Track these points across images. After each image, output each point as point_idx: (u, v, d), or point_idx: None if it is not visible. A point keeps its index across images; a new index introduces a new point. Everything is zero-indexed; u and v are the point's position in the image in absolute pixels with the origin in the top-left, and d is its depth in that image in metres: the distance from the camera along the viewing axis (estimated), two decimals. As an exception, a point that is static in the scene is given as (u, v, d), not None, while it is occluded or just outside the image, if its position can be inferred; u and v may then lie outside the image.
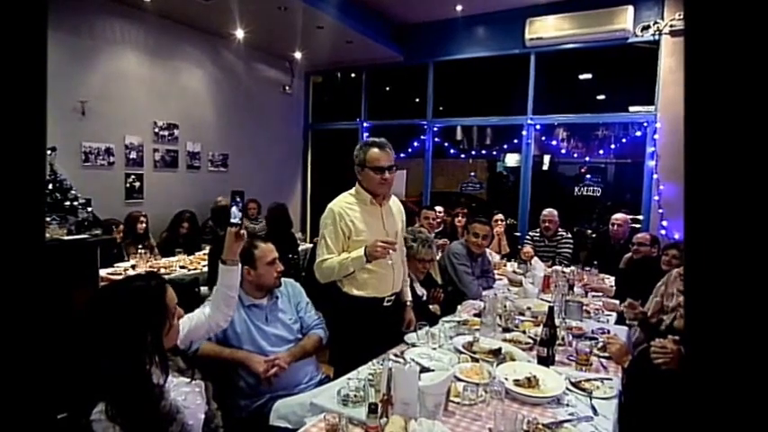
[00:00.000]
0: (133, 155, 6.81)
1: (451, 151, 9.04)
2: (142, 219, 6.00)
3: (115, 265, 5.13)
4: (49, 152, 4.00)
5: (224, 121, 8.10)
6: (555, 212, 6.34)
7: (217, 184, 7.88)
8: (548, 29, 7.38)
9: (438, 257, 4.74)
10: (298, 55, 8.60)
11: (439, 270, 4.59)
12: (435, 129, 8.75)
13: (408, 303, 3.44)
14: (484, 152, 10.36)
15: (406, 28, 8.56)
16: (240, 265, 2.39)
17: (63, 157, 5.17)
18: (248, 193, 7.96)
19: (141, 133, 6.91)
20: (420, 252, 3.86)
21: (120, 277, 4.40)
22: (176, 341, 1.97)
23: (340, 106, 9.91)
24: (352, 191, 3.22)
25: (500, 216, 6.69)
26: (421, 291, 3.94)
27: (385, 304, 3.19)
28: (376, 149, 3.08)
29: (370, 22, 7.82)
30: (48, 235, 3.70)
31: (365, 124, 9.28)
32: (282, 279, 3.03)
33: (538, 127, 7.89)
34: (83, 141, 6.22)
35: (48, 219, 3.76)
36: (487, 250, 5.24)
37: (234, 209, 2.32)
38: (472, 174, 9.29)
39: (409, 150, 8.89)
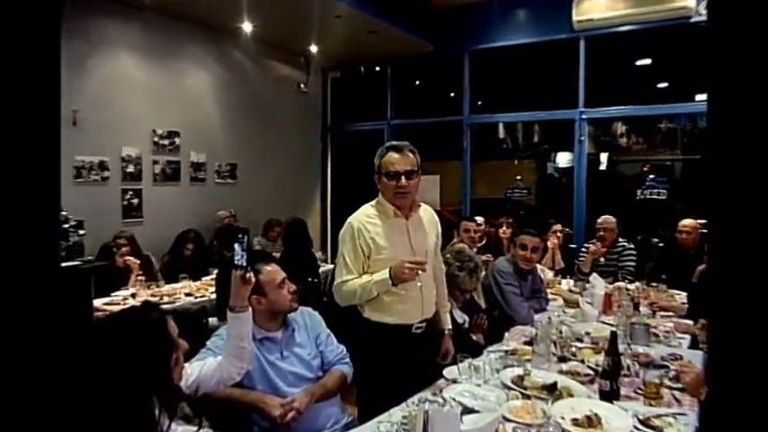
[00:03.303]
0: (130, 168, 6.92)
1: (494, 152, 9.01)
2: (124, 243, 5.77)
3: (113, 294, 5.18)
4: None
5: (231, 127, 8.19)
6: (612, 219, 6.25)
7: (225, 197, 7.97)
8: (599, 9, 7.31)
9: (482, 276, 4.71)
10: (313, 49, 8.68)
11: (482, 291, 4.55)
12: (474, 127, 8.73)
13: (447, 332, 3.43)
14: (531, 152, 10.29)
15: (437, 14, 8.56)
16: (250, 309, 2.41)
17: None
18: (259, 208, 8.09)
19: (139, 144, 7.02)
20: (464, 282, 3.87)
21: (117, 308, 4.45)
22: (181, 376, 1.98)
23: (363, 105, 9.97)
24: (374, 202, 3.23)
25: (558, 226, 6.63)
26: (461, 317, 3.90)
27: (414, 331, 3.18)
28: (392, 153, 3.11)
29: (396, 8, 7.83)
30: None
31: (392, 124, 9.33)
32: (301, 308, 3.02)
33: (591, 121, 7.80)
34: (74, 155, 6.35)
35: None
36: (538, 266, 5.17)
37: (237, 248, 2.32)
38: (518, 177, 9.22)
39: (444, 152, 8.87)
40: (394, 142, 3.18)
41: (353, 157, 9.68)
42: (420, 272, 2.99)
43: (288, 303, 2.89)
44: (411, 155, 3.12)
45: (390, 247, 3.09)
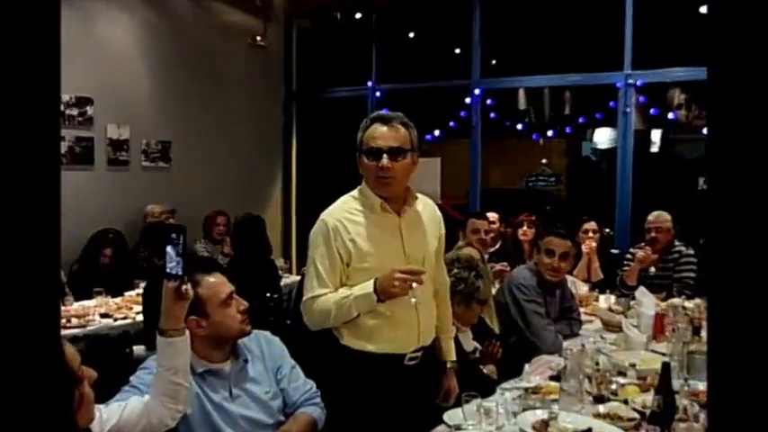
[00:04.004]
0: (28, 147, 6.88)
1: (512, 128, 9.03)
2: None
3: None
4: None
5: (163, 93, 8.17)
6: (667, 217, 6.28)
7: (155, 186, 7.96)
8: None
9: (494, 291, 4.71)
10: (273, -11, 8.68)
11: (495, 310, 4.58)
12: (486, 94, 8.76)
13: (450, 365, 3.44)
14: (560, 128, 10.32)
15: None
16: (188, 333, 2.41)
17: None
18: (201, 201, 8.06)
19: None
20: (482, 293, 3.91)
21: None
22: (91, 417, 1.98)
23: (340, 65, 9.95)
24: (355, 192, 3.24)
25: (593, 225, 6.66)
26: (470, 345, 3.93)
27: (407, 363, 3.19)
28: (377, 125, 3.12)
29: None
30: None
31: (378, 90, 9.36)
32: (256, 333, 3.02)
33: (641, 87, 7.84)
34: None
35: None
36: (569, 277, 5.19)
37: (170, 252, 2.32)
38: (543, 161, 9.28)
39: (446, 128, 8.90)
40: (383, 112, 3.20)
41: (327, 134, 9.63)
42: (415, 285, 2.96)
43: (237, 326, 2.87)
44: (402, 128, 3.12)
45: (377, 253, 3.09)
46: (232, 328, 2.87)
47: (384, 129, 3.09)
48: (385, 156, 3.04)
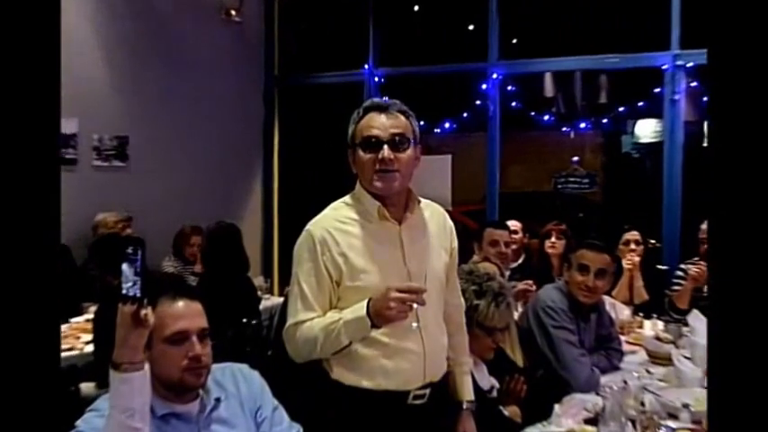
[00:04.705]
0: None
1: (538, 118, 9.02)
2: None
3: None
4: None
5: (120, 80, 8.16)
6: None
7: (109, 190, 7.95)
8: None
9: (516, 316, 4.69)
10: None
11: (518, 339, 4.55)
12: (506, 80, 8.75)
13: (466, 405, 3.43)
14: (596, 119, 10.33)
15: None
16: (147, 367, 2.38)
17: None
18: (164, 208, 8.06)
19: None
20: (489, 315, 3.82)
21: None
22: None
23: (331, 44, 9.98)
24: (347, 198, 3.25)
25: (635, 236, 6.65)
26: (487, 381, 3.92)
27: (411, 402, 3.17)
28: (372, 113, 3.13)
29: None
30: None
31: (377, 75, 9.36)
32: (230, 366, 3.01)
33: (692, 70, 7.84)
34: None
35: None
36: (607, 299, 5.17)
37: (126, 270, 2.29)
38: (575, 159, 9.26)
39: (458, 120, 8.89)
40: (376, 99, 3.20)
41: (317, 128, 9.67)
42: (416, 306, 2.94)
43: (176, 374, 2.72)
44: (402, 116, 3.13)
45: (373, 269, 3.08)
46: (169, 375, 2.74)
47: (382, 117, 3.10)
48: (386, 146, 3.05)
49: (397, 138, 3.06)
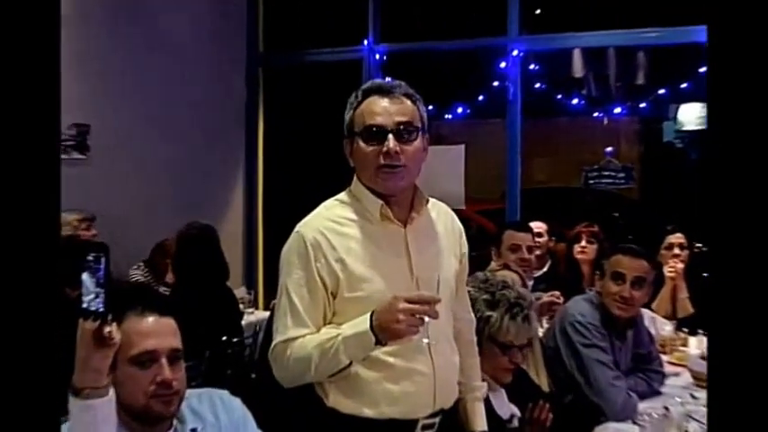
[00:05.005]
0: None
1: (566, 102, 9.03)
2: None
3: None
4: None
5: (79, 60, 8.11)
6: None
7: (66, 186, 7.83)
8: None
9: (541, 333, 4.67)
10: None
11: (543, 359, 4.53)
12: (527, 57, 8.73)
13: (480, 436, 3.42)
14: (632, 103, 10.33)
15: None
16: (113, 391, 2.35)
17: None
18: (131, 208, 8.06)
19: None
20: (503, 329, 3.78)
21: None
22: None
23: (324, 16, 9.98)
24: (343, 195, 3.24)
25: (679, 238, 6.63)
26: (507, 409, 3.90)
27: (420, 432, 3.17)
28: (374, 97, 3.11)
29: None
30: None
31: (378, 52, 9.33)
32: (208, 392, 3.00)
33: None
34: None
35: None
36: (646, 312, 5.15)
37: (86, 280, 2.26)
38: (609, 149, 9.22)
39: (473, 104, 8.88)
40: (378, 81, 3.20)
41: (308, 114, 9.66)
42: (427, 319, 2.89)
43: (140, 400, 2.68)
44: (408, 101, 3.12)
45: (375, 277, 3.07)
46: (133, 402, 2.70)
47: (385, 101, 3.08)
48: (391, 136, 3.02)
49: (402, 126, 3.04)
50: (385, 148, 3.00)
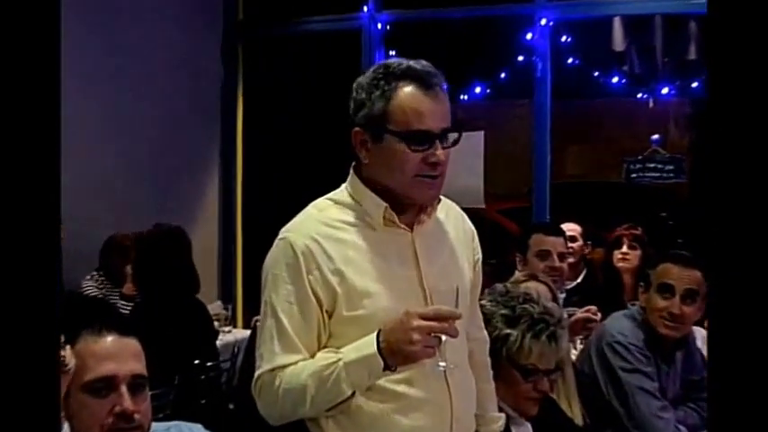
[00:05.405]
0: None
1: (604, 80, 9.05)
2: None
3: None
4: None
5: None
6: None
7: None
8: None
9: (574, 355, 4.70)
10: None
11: (576, 386, 4.56)
12: (558, 28, 8.76)
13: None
14: (683, 82, 10.31)
15: None
16: (67, 426, 2.39)
17: None
18: (86, 207, 8.06)
19: None
20: (525, 349, 3.78)
21: None
22: None
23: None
24: (339, 194, 3.23)
25: None
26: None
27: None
28: (414, 88, 3.06)
29: None
30: None
31: (379, 21, 9.27)
32: (178, 426, 3.03)
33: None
34: None
35: None
36: (699, 331, 5.18)
37: None
38: (655, 137, 9.24)
39: (494, 82, 8.90)
40: (412, 63, 3.11)
41: (296, 95, 9.64)
42: (444, 338, 2.89)
43: None
44: (445, 97, 3.13)
45: (382, 292, 3.07)
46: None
47: (428, 99, 3.06)
48: (438, 143, 3.03)
49: (444, 131, 3.06)
50: (433, 159, 3.01)
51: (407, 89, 3.04)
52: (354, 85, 3.14)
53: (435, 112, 3.04)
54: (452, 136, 3.09)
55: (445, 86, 3.13)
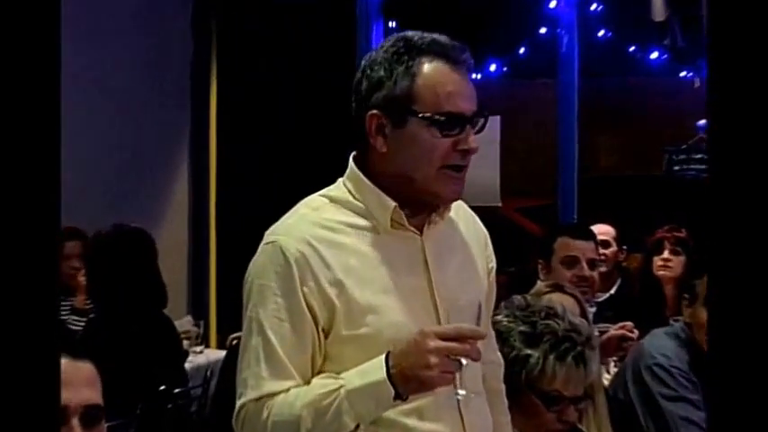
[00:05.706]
0: None
1: (642, 56, 9.06)
2: None
3: None
4: None
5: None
6: None
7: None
8: None
9: (606, 380, 4.67)
10: None
11: (609, 416, 4.51)
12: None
13: None
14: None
15: None
16: None
17: None
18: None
19: None
20: (547, 375, 3.74)
21: None
22: None
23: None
24: (335, 191, 3.21)
25: None
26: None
27: None
28: (440, 63, 3.05)
29: None
30: None
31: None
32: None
33: None
34: None
35: None
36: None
37: None
38: (701, 123, 9.25)
39: (512, 59, 8.91)
40: (435, 36, 3.09)
41: (279, 75, 9.63)
42: (464, 362, 2.86)
43: None
44: (469, 74, 3.12)
45: (389, 306, 3.04)
46: None
47: (458, 76, 3.06)
48: (469, 127, 3.04)
49: (474, 114, 3.07)
50: (464, 146, 3.02)
51: (436, 65, 3.04)
52: (366, 62, 3.12)
53: (465, 93, 3.06)
54: (479, 121, 3.08)
55: (472, 63, 3.12)
